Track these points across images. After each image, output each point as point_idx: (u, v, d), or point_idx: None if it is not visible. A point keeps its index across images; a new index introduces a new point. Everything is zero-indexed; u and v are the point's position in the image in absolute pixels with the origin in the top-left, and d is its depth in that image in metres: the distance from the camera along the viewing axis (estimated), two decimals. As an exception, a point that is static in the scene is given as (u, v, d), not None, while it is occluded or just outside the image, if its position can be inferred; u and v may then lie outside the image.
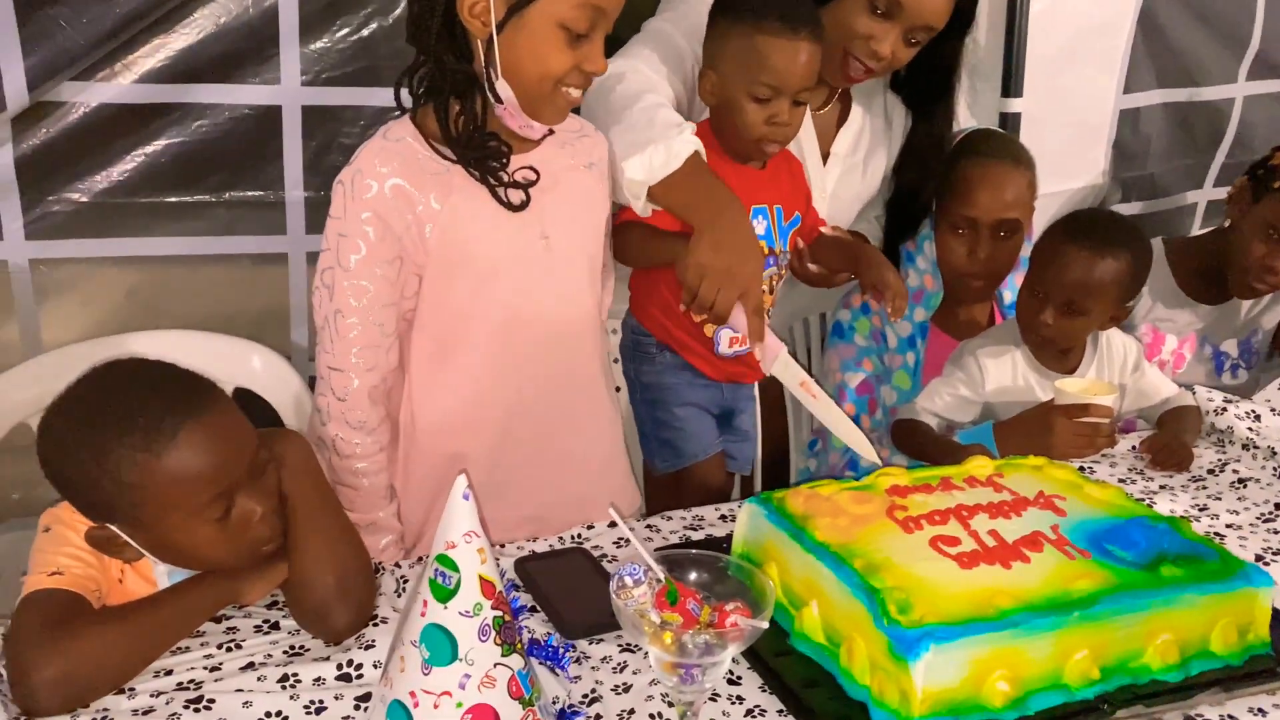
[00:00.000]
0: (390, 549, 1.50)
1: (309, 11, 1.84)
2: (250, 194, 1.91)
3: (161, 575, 1.19)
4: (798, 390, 1.59)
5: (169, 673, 1.12)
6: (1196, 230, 2.92)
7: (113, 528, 1.12)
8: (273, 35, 1.83)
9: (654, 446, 1.83)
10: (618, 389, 1.80)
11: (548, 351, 1.53)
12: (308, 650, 1.17)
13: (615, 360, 1.83)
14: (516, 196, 1.45)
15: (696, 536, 1.46)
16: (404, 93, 1.43)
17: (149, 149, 1.84)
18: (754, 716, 1.09)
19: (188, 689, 1.10)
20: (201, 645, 1.16)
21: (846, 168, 2.00)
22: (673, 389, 1.79)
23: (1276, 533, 1.50)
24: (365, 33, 1.89)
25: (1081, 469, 1.66)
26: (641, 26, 1.81)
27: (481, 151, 1.42)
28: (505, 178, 1.44)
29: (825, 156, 1.97)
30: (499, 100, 1.39)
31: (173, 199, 1.87)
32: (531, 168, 1.47)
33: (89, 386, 1.11)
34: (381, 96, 1.92)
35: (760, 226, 1.71)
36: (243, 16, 1.80)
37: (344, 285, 1.41)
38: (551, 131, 1.48)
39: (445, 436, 1.52)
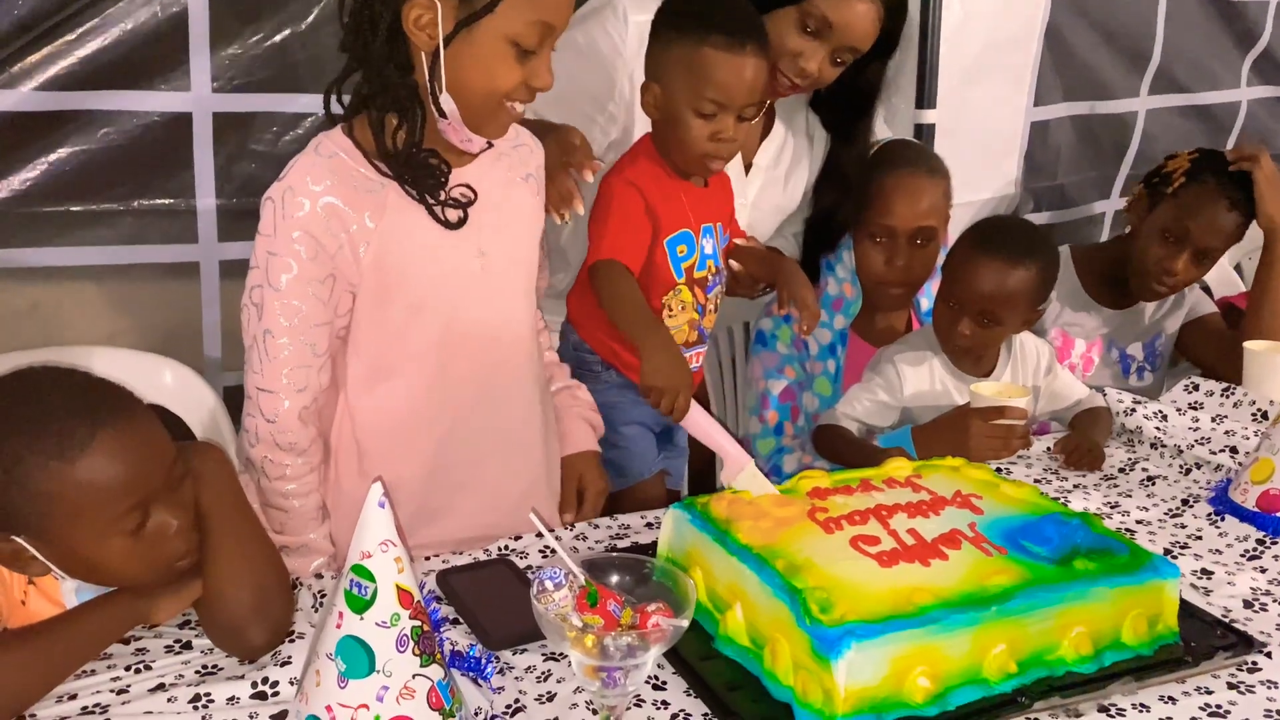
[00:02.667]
0: (322, 571, 1.45)
1: (220, 17, 1.80)
2: (160, 202, 1.87)
3: (69, 594, 1.14)
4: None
5: (73, 697, 1.07)
6: (1105, 238, 3.02)
7: (19, 540, 1.07)
8: (182, 41, 1.79)
9: None
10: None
11: (484, 369, 1.50)
12: (221, 669, 1.13)
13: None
14: (454, 215, 1.41)
15: (623, 545, 1.46)
16: (334, 100, 1.38)
17: (52, 157, 1.79)
18: (679, 721, 1.09)
19: (93, 713, 1.05)
20: (109, 667, 1.12)
21: (768, 180, 2.02)
22: (617, 407, 1.77)
23: (1183, 527, 1.55)
24: (278, 38, 1.87)
25: (998, 470, 1.69)
26: None
27: (420, 170, 1.38)
28: (443, 196, 1.41)
29: (747, 167, 1.99)
30: (442, 115, 1.35)
31: (78, 208, 1.82)
32: (469, 186, 1.43)
33: None
34: (296, 102, 1.91)
35: (707, 245, 1.71)
36: (151, 22, 1.76)
37: (274, 305, 1.36)
38: (490, 145, 1.44)
39: (379, 456, 1.48)
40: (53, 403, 1.05)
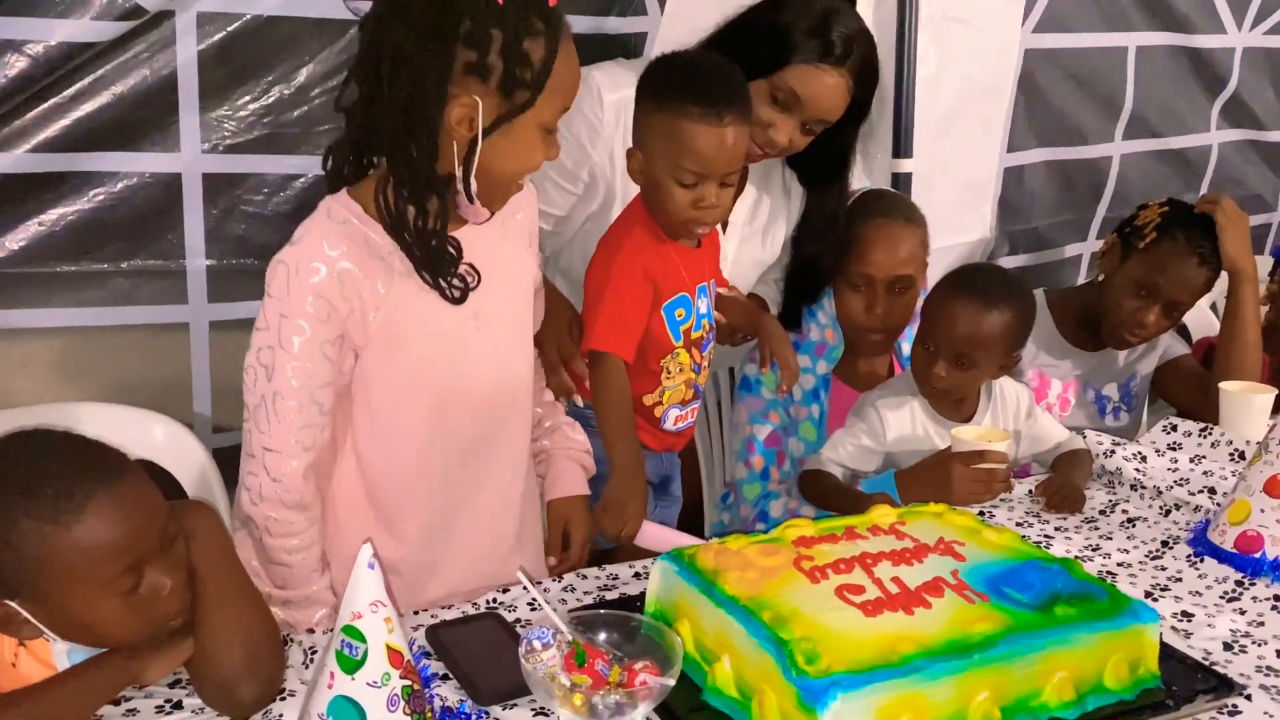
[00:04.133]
0: (325, 621, 1.46)
1: (209, 79, 1.83)
2: (150, 263, 1.88)
3: (60, 656, 1.14)
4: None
5: (65, 760, 1.08)
6: (1083, 280, 3.07)
7: (12, 604, 1.08)
8: (172, 103, 1.81)
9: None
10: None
11: (480, 422, 1.52)
12: (212, 729, 1.14)
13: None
14: (459, 291, 1.44)
15: (612, 596, 1.47)
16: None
17: (44, 218, 1.80)
18: (668, 774, 1.09)
19: (85, 775, 1.06)
20: (100, 729, 1.13)
21: (744, 236, 2.04)
22: None
23: (1164, 569, 1.57)
24: (268, 100, 1.89)
25: (981, 514, 1.71)
26: None
27: (435, 253, 1.40)
28: (451, 277, 1.43)
29: (724, 225, 2.01)
30: (471, 200, 1.39)
31: (69, 269, 1.83)
32: (472, 265, 1.45)
33: None
34: (285, 164, 1.93)
35: (702, 305, 1.74)
36: (141, 85, 1.78)
37: (286, 367, 1.38)
38: (491, 215, 1.47)
39: (386, 507, 1.50)
40: (47, 466, 1.06)
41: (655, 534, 1.58)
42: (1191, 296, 2.23)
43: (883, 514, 1.40)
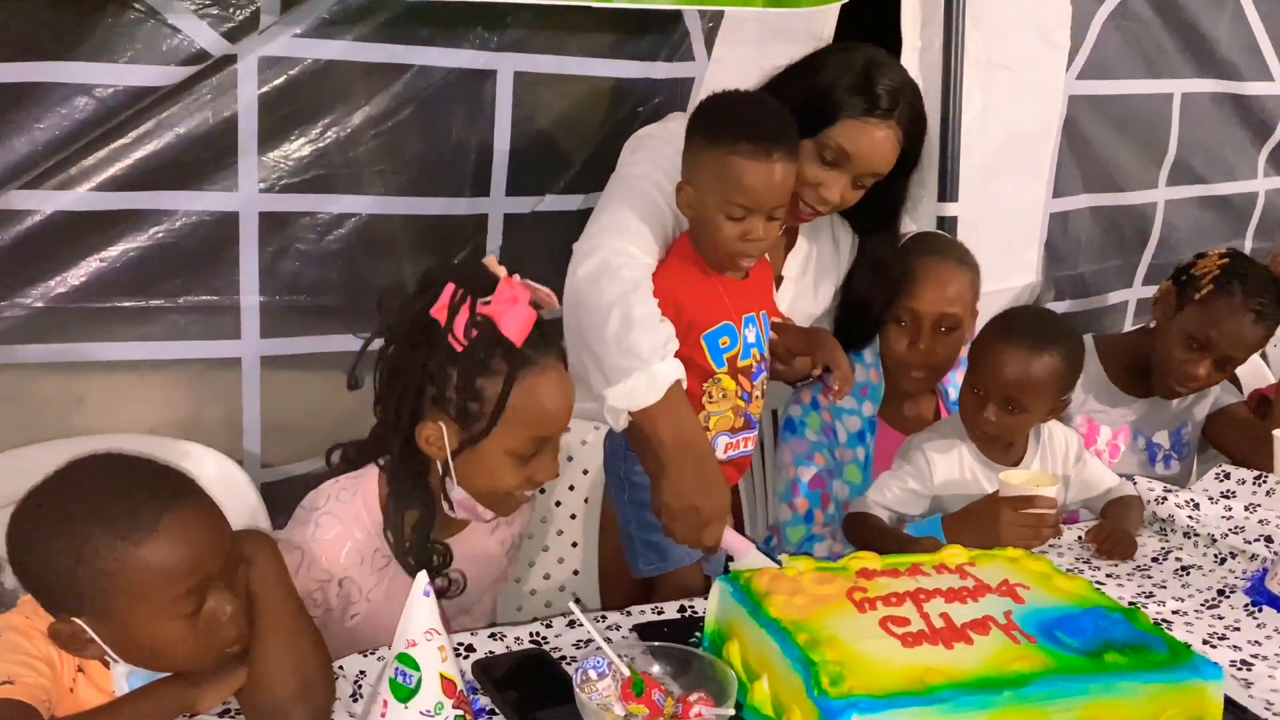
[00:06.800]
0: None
1: (268, 121, 1.87)
2: (206, 298, 1.92)
3: (120, 680, 1.16)
4: None
5: (117, 786, 1.09)
6: (1129, 326, 3.04)
7: (78, 622, 1.10)
8: (232, 143, 1.86)
9: (639, 549, 1.80)
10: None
11: None
12: (262, 758, 1.14)
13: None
14: (438, 588, 1.51)
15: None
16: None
17: (104, 255, 1.84)
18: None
19: (136, 802, 1.06)
20: (152, 757, 1.13)
21: (798, 290, 2.04)
22: None
23: (1220, 618, 1.54)
24: (323, 143, 1.93)
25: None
26: (615, 175, 1.81)
27: (425, 563, 1.49)
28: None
29: (778, 281, 2.01)
30: (453, 509, 1.51)
31: (127, 304, 1.87)
32: (461, 572, 1.54)
33: (66, 477, 1.11)
34: (339, 203, 1.97)
35: (750, 335, 1.74)
36: (202, 126, 1.83)
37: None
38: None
39: None
40: (121, 486, 1.09)
41: (733, 542, 1.55)
42: (1245, 352, 2.18)
43: (953, 554, 1.39)
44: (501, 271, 1.43)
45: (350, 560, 1.47)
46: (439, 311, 1.41)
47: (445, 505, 1.50)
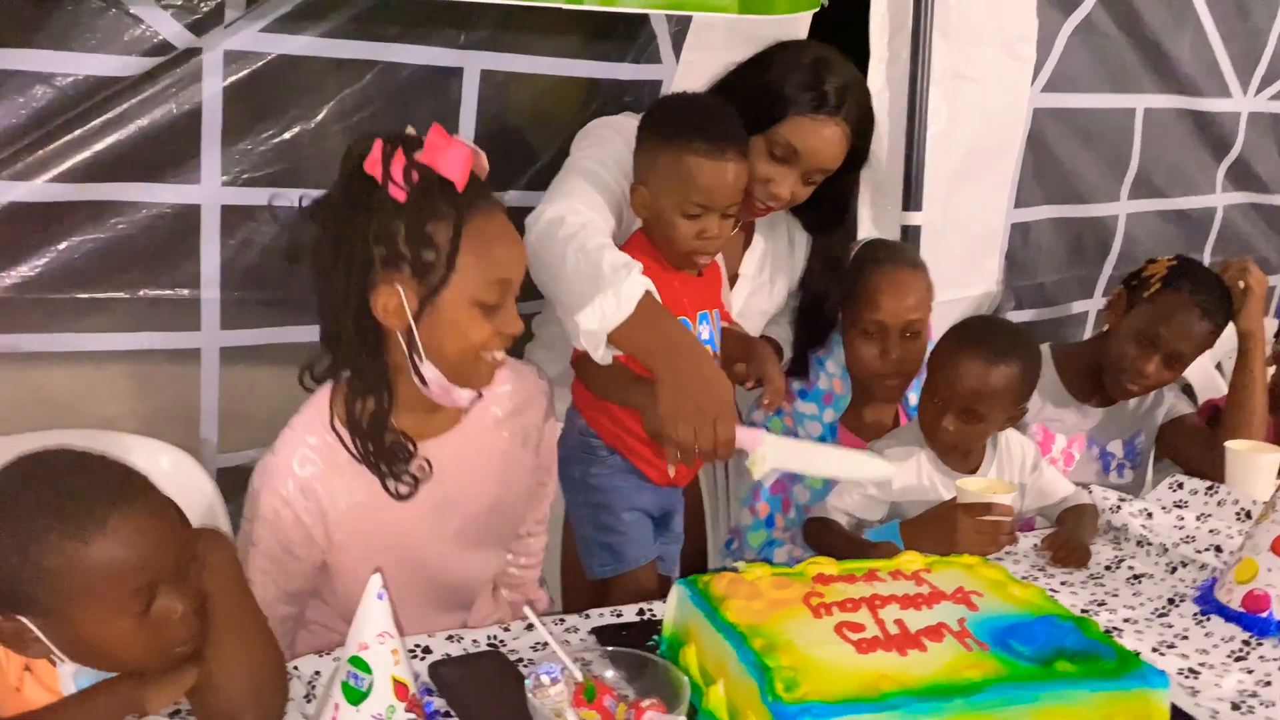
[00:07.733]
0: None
1: (233, 114, 1.85)
2: (166, 292, 1.89)
3: (67, 679, 1.14)
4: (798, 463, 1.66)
5: (63, 787, 1.07)
6: (1088, 336, 3.08)
7: (23, 620, 1.08)
8: (195, 136, 1.84)
9: (594, 550, 1.80)
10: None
11: (435, 604, 1.62)
12: (212, 760, 1.13)
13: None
14: (405, 489, 1.50)
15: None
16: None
17: (62, 246, 1.81)
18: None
19: (82, 803, 1.05)
20: (99, 757, 1.12)
21: (754, 287, 2.07)
22: (620, 492, 1.77)
23: (1170, 627, 1.56)
24: (288, 135, 1.91)
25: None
26: (565, 164, 1.83)
27: (384, 450, 1.47)
28: (401, 473, 1.49)
29: (733, 278, 2.03)
30: (425, 384, 1.45)
31: (84, 295, 1.84)
32: (427, 461, 1.51)
33: (13, 473, 1.09)
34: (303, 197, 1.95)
35: (704, 332, 1.75)
36: (165, 118, 1.81)
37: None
38: (480, 395, 1.54)
39: None
40: (70, 483, 1.07)
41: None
42: (1193, 349, 2.24)
43: (910, 560, 1.40)
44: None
45: (307, 469, 1.43)
46: (373, 166, 1.36)
47: (418, 381, 1.45)
